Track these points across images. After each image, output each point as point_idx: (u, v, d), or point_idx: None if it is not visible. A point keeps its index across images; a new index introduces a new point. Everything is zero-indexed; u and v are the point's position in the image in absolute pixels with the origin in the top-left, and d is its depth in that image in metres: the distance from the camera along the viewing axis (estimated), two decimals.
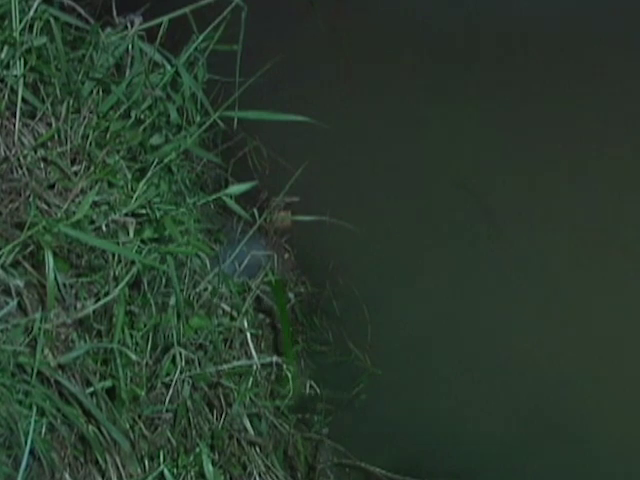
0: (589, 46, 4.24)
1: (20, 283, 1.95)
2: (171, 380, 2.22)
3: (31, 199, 2.01)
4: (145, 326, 2.21)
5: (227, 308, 2.54)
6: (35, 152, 2.12)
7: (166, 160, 2.25)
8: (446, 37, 4.48)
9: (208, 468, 2.21)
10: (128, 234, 2.12)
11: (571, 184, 3.87)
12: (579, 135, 4.04)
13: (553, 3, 4.49)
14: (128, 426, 2.13)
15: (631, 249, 3.64)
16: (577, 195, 3.83)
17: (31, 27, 2.10)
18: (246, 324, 2.56)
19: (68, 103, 2.18)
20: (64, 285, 2.02)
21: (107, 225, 2.09)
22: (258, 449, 2.52)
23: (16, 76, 2.08)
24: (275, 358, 2.53)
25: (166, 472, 2.16)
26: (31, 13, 2.07)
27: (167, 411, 2.24)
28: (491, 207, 3.81)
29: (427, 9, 4.56)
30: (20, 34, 2.06)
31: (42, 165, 2.13)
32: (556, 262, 3.60)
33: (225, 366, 2.38)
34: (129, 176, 2.22)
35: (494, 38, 4.40)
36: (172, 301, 2.25)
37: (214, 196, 2.32)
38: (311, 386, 3.11)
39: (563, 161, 3.97)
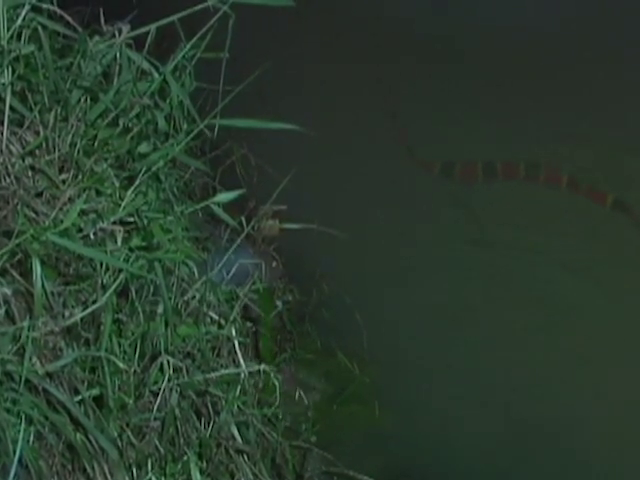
0: (577, 49, 4.27)
1: (8, 291, 1.94)
2: (159, 388, 2.22)
3: (19, 207, 2.01)
4: (133, 334, 2.20)
5: (215, 316, 2.53)
6: (23, 160, 2.11)
7: (154, 168, 2.24)
8: (435, 40, 4.51)
9: (196, 476, 2.21)
10: (116, 242, 2.12)
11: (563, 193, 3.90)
12: (568, 135, 4.07)
13: (536, 6, 4.52)
14: (116, 434, 2.12)
15: (623, 250, 3.66)
16: (567, 197, 3.85)
17: (19, 35, 2.10)
18: (234, 332, 2.55)
19: (56, 111, 2.18)
20: (52, 293, 2.01)
21: (95, 233, 2.09)
22: (246, 457, 2.51)
23: (4, 84, 2.07)
24: (263, 366, 2.53)
25: None
26: (19, 21, 2.07)
27: (155, 419, 2.23)
28: (478, 212, 3.83)
29: (411, 14, 4.58)
30: (8, 42, 2.06)
31: (30, 173, 2.13)
32: (544, 266, 3.62)
33: (213, 374, 2.37)
34: (117, 184, 2.21)
35: (480, 42, 4.43)
36: (160, 309, 2.25)
37: (202, 204, 2.31)
38: (299, 394, 3.11)
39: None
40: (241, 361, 2.54)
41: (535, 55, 4.39)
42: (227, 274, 2.69)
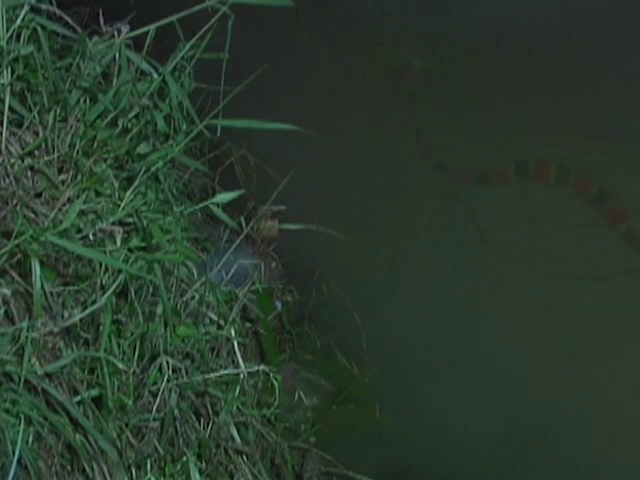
0: (570, 49, 4.27)
1: (7, 292, 1.94)
2: (158, 389, 2.22)
3: (18, 208, 2.01)
4: (132, 335, 2.20)
5: (214, 317, 2.54)
6: (22, 161, 2.11)
7: (153, 169, 2.24)
8: (431, 44, 4.51)
9: (195, 477, 2.21)
10: (115, 243, 2.12)
11: (555, 188, 3.90)
12: (563, 137, 4.07)
13: (535, 5, 4.52)
14: (115, 435, 2.12)
15: (624, 251, 3.67)
16: (563, 198, 3.86)
17: (18, 36, 2.10)
18: (233, 333, 2.55)
19: (55, 112, 2.18)
20: (51, 294, 2.01)
21: (94, 234, 2.09)
22: (245, 458, 2.51)
23: (3, 85, 2.07)
24: (262, 367, 2.53)
25: None
26: (18, 22, 2.07)
27: (154, 420, 2.23)
28: (476, 212, 3.83)
29: (412, 19, 4.58)
30: (7, 43, 2.06)
31: (29, 174, 2.13)
32: (545, 266, 3.62)
33: (212, 375, 2.38)
34: (116, 185, 2.21)
35: (477, 43, 4.43)
36: (159, 310, 2.25)
37: (201, 205, 2.32)
38: (298, 394, 3.12)
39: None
40: (240, 362, 2.54)
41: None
42: (226, 275, 2.70)
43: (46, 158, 2.15)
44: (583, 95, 4.13)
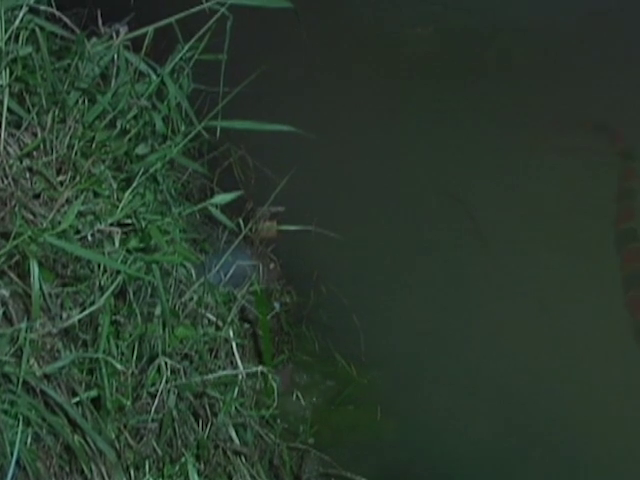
0: (575, 57, 4.28)
1: (5, 293, 1.94)
2: (157, 390, 2.22)
3: (17, 209, 2.01)
4: (130, 336, 2.20)
5: (212, 318, 2.54)
6: (21, 162, 2.11)
7: (152, 170, 2.24)
8: (432, 50, 4.52)
9: (193, 478, 2.21)
10: (114, 244, 2.12)
11: (559, 196, 3.90)
12: (565, 143, 4.07)
13: (535, 11, 4.53)
14: (114, 436, 2.12)
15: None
16: (564, 206, 3.86)
17: (17, 37, 2.10)
18: (231, 334, 2.55)
19: (54, 113, 2.18)
20: (49, 295, 2.01)
21: (92, 235, 2.09)
22: (244, 459, 2.51)
23: (1, 86, 2.07)
24: (261, 368, 2.53)
25: None
26: (17, 23, 2.07)
27: (153, 421, 2.23)
28: (478, 217, 3.83)
29: (413, 23, 4.59)
30: (5, 44, 2.06)
31: (28, 175, 2.13)
32: (543, 274, 3.62)
33: (211, 376, 2.37)
34: (115, 186, 2.21)
35: (477, 52, 4.44)
36: (158, 311, 2.25)
37: (200, 206, 2.32)
38: (297, 396, 3.12)
39: (551, 172, 4.00)
40: (239, 363, 2.54)
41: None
42: (225, 276, 2.70)
43: (44, 159, 2.15)
44: None
